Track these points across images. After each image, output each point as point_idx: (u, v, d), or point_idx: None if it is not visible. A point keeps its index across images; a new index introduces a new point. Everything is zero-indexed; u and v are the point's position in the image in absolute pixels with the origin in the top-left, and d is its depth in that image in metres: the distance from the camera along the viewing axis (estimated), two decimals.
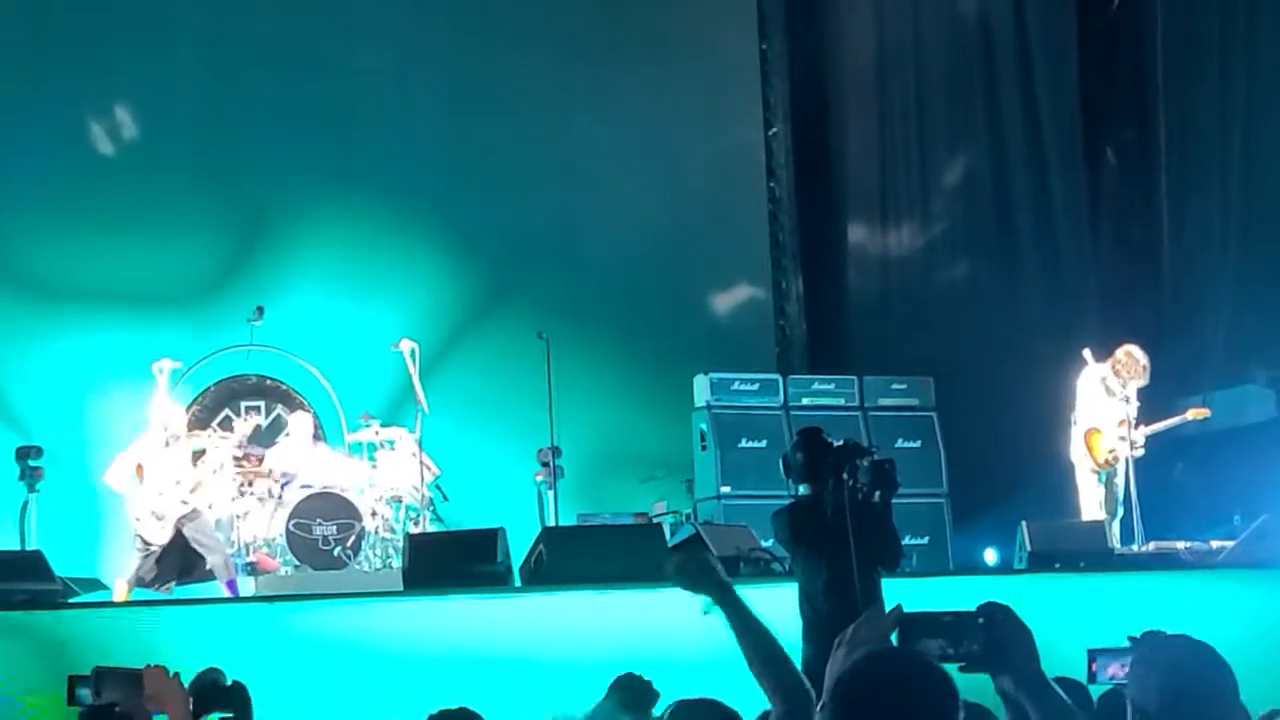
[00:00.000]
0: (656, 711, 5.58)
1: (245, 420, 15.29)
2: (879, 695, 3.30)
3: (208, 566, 13.69)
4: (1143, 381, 14.26)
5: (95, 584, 14.08)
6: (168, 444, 13.75)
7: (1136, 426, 14.28)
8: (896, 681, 3.31)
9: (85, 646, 10.18)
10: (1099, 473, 14.33)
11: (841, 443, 9.87)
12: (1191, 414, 14.40)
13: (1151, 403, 14.44)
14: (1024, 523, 13.09)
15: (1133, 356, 14.31)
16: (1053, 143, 17.97)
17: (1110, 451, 14.26)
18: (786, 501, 15.32)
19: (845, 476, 9.54)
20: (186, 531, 13.57)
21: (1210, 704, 3.96)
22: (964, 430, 15.92)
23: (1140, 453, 14.20)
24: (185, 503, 13.62)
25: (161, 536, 13.56)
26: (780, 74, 18.99)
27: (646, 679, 5.06)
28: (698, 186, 18.00)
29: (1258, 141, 16.20)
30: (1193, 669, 4.07)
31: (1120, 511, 14.22)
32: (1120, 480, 14.26)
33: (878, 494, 9.60)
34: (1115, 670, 5.30)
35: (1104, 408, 14.33)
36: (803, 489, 9.90)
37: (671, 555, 5.02)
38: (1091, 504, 14.33)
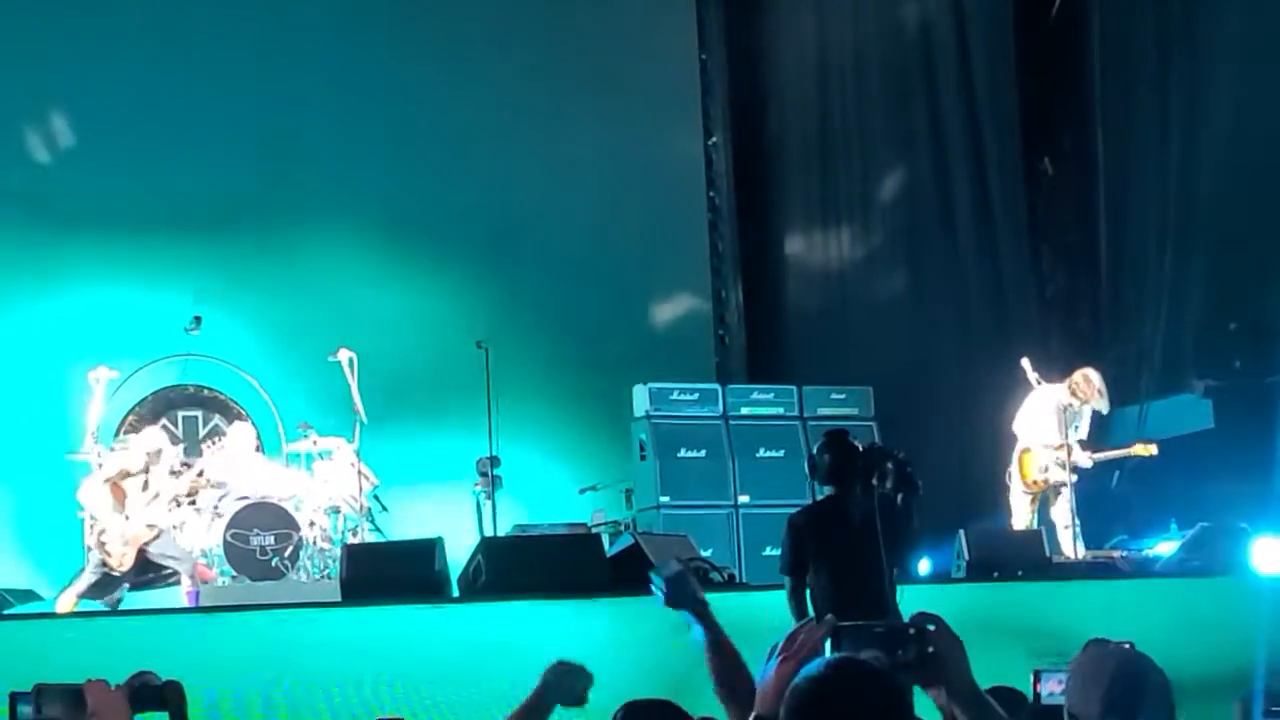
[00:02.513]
0: (599, 709, 5.56)
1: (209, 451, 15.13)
2: (834, 704, 3.30)
3: (166, 572, 13.64)
4: (1101, 405, 14.36)
5: (30, 595, 14.00)
6: (147, 468, 13.68)
7: (1084, 449, 14.36)
8: (852, 690, 3.32)
9: (22, 661, 10.10)
10: (1031, 494, 14.41)
11: (868, 446, 9.95)
12: (1139, 449, 14.48)
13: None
14: (962, 531, 13.13)
15: (1089, 380, 14.38)
16: (992, 153, 18.06)
17: (1043, 472, 14.33)
18: (729, 509, 15.52)
19: (874, 480, 9.62)
20: (152, 550, 13.51)
21: (1148, 714, 3.99)
22: (903, 440, 15.94)
23: (1074, 478, 14.28)
24: (151, 526, 13.56)
25: (127, 561, 13.49)
26: (720, 84, 19.03)
27: (578, 664, 5.05)
28: (638, 196, 18.01)
29: (1195, 152, 16.30)
30: (1131, 680, 4.09)
31: (1075, 523, 14.27)
32: (1064, 496, 14.32)
33: (900, 496, 9.67)
34: (1056, 687, 5.33)
35: (1043, 429, 14.39)
36: (826, 491, 9.90)
37: (658, 581, 5.04)
38: (1020, 520, 14.40)
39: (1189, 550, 13.26)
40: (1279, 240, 15.08)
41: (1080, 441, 14.44)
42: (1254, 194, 15.66)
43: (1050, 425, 14.39)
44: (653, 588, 5.02)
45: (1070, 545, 14.13)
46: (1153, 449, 14.46)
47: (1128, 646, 6.76)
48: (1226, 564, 12.74)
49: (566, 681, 4.90)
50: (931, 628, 3.53)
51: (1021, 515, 14.43)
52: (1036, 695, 4.76)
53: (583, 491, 16.29)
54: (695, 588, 4.83)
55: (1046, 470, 14.35)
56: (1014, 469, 14.55)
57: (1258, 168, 15.65)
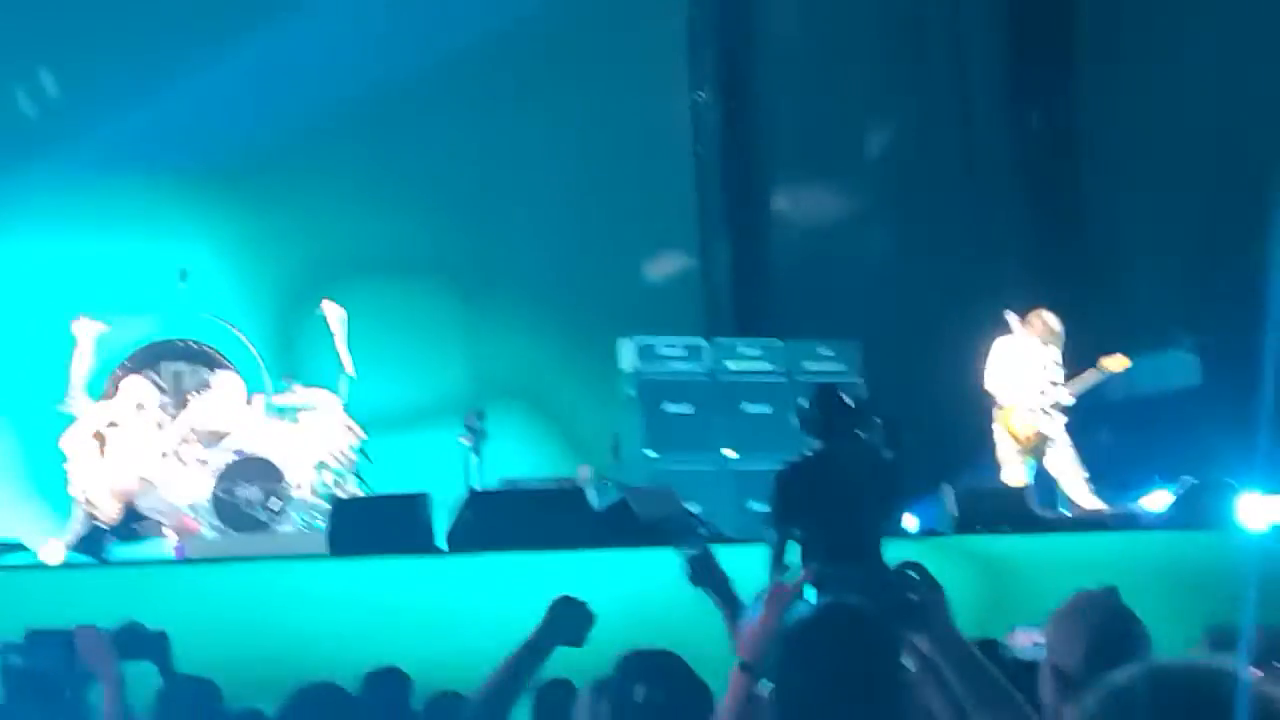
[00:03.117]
0: (586, 661, 5.59)
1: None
2: (824, 645, 3.32)
3: (152, 525, 13.65)
4: (1057, 345, 14.33)
5: (18, 547, 14.00)
6: (132, 418, 13.67)
7: (1059, 387, 14.35)
8: (841, 631, 3.34)
9: (9, 612, 10.11)
10: (1024, 452, 14.39)
11: (858, 402, 9.99)
12: (1107, 363, 14.43)
13: (1078, 366, 14.53)
14: (948, 486, 13.15)
15: (1044, 320, 14.38)
16: (980, 107, 18.03)
17: (1031, 426, 14.33)
18: (715, 464, 15.53)
19: (862, 435, 9.67)
20: (138, 502, 13.52)
21: (1129, 656, 3.99)
22: (891, 395, 15.96)
23: (1064, 419, 14.29)
24: (137, 478, 13.56)
25: (113, 512, 13.49)
26: (708, 39, 18.97)
27: (582, 602, 5.08)
28: (625, 151, 17.95)
29: (1184, 104, 16.28)
30: (1110, 630, 4.11)
31: (1082, 472, 14.27)
32: (1062, 450, 14.32)
33: (887, 452, 9.72)
34: (1024, 640, 5.35)
35: (1018, 382, 14.39)
36: (816, 445, 9.91)
37: (684, 559, 5.10)
38: (1014, 479, 14.39)
39: (1177, 506, 13.31)
40: (1266, 195, 15.07)
41: (1053, 383, 14.43)
42: (1240, 149, 15.65)
43: (1024, 376, 14.38)
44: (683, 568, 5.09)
45: (1084, 494, 14.12)
46: (1125, 361, 14.40)
47: (1112, 591, 6.78)
48: (1214, 520, 12.78)
49: (569, 619, 4.91)
50: (914, 575, 3.55)
51: (1015, 473, 14.40)
52: (1013, 649, 4.78)
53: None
54: (717, 567, 4.89)
55: (1032, 421, 14.35)
56: (999, 429, 14.54)
57: (1243, 123, 15.65)
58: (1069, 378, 14.43)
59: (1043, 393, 14.29)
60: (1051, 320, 14.37)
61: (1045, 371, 14.35)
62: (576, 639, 4.89)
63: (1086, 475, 14.33)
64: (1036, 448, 14.41)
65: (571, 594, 4.93)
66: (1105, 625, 4.14)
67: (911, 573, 3.56)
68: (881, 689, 3.33)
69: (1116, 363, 14.41)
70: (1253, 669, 1.95)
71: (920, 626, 3.52)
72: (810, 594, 3.58)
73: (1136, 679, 1.93)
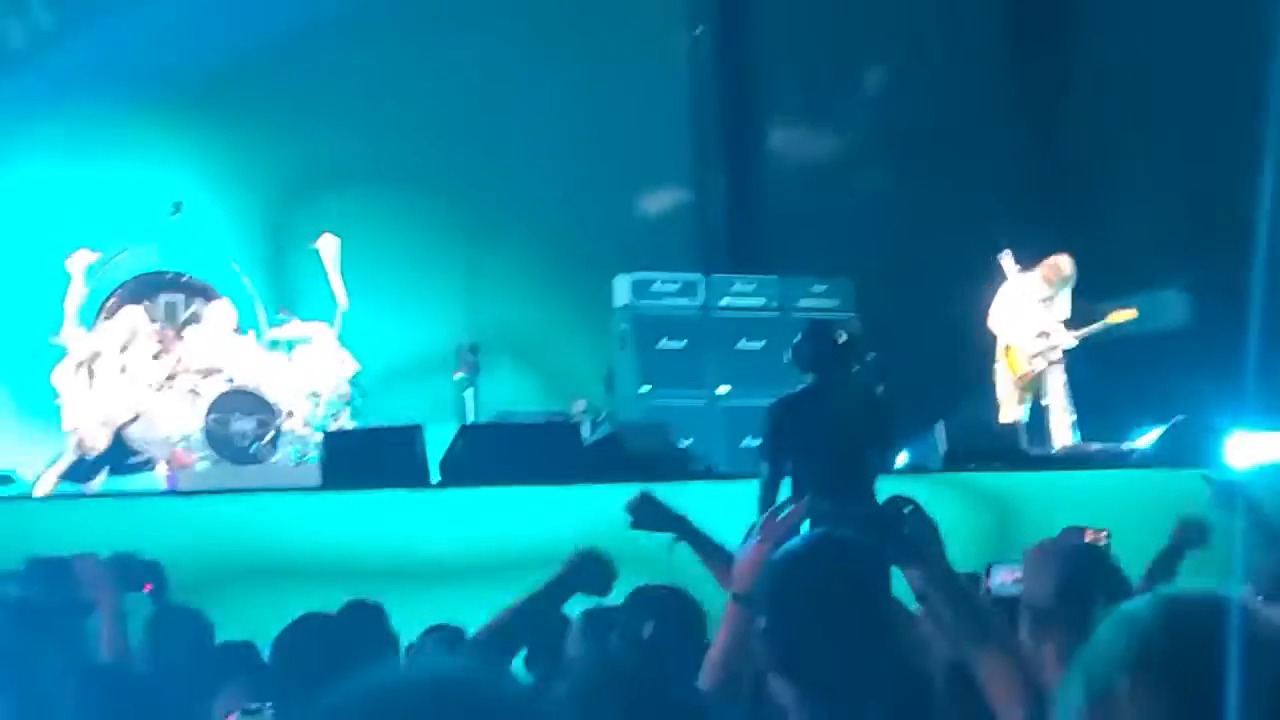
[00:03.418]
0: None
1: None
2: (814, 575, 3.34)
3: (144, 457, 13.68)
4: (1067, 289, 14.39)
5: (6, 479, 14.02)
6: (124, 349, 13.67)
7: (1067, 331, 14.42)
8: (831, 561, 3.36)
9: (1, 542, 10.13)
10: (1021, 388, 14.46)
11: (851, 337, 10.00)
12: (1117, 315, 14.50)
13: (1073, 302, 14.59)
14: (940, 422, 13.18)
15: (1059, 266, 14.43)
16: (976, 44, 17.98)
17: (1030, 363, 14.38)
18: (708, 400, 15.55)
19: (855, 368, 9.69)
20: (129, 432, 13.54)
21: (1100, 602, 4.02)
22: (884, 332, 15.97)
23: (1058, 357, 14.35)
24: (128, 408, 13.57)
25: (102, 442, 13.51)
26: None
27: (607, 555, 5.06)
28: (622, 86, 17.90)
29: (1178, 42, 16.25)
30: (1083, 568, 4.14)
31: (1070, 408, 14.35)
32: (1055, 384, 14.39)
33: (880, 387, 9.75)
34: (1005, 577, 5.37)
35: (1021, 319, 14.44)
36: (808, 379, 9.93)
37: (626, 504, 5.07)
38: (1010, 413, 14.46)
39: (1164, 443, 13.35)
40: (1256, 135, 15.06)
41: (1064, 322, 14.49)
42: (1232, 88, 15.63)
43: (1029, 315, 14.43)
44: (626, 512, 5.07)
45: (1069, 435, 14.21)
46: (1132, 312, 14.47)
47: (1105, 533, 6.82)
48: (1201, 457, 12.83)
49: (593, 571, 4.86)
50: (907, 510, 3.57)
51: (1011, 408, 14.47)
52: (988, 588, 4.80)
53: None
54: (666, 505, 4.87)
55: (1033, 360, 14.40)
56: (1000, 364, 14.59)
57: (1236, 61, 15.61)
58: (1073, 320, 14.49)
59: (1047, 334, 14.34)
60: (1065, 264, 14.41)
61: (1052, 314, 14.40)
62: (602, 590, 4.84)
63: (1074, 416, 14.38)
64: (1035, 386, 14.46)
65: (584, 542, 4.88)
66: (1077, 563, 4.18)
67: (905, 507, 3.58)
68: (873, 621, 3.35)
69: (1123, 314, 14.46)
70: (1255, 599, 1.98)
71: (913, 560, 3.54)
72: (804, 527, 3.60)
73: (1149, 608, 1.95)
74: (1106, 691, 1.91)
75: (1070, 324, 14.50)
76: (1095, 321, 14.52)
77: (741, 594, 3.63)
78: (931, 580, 3.54)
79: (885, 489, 9.76)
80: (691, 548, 4.75)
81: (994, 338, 14.64)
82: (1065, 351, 14.41)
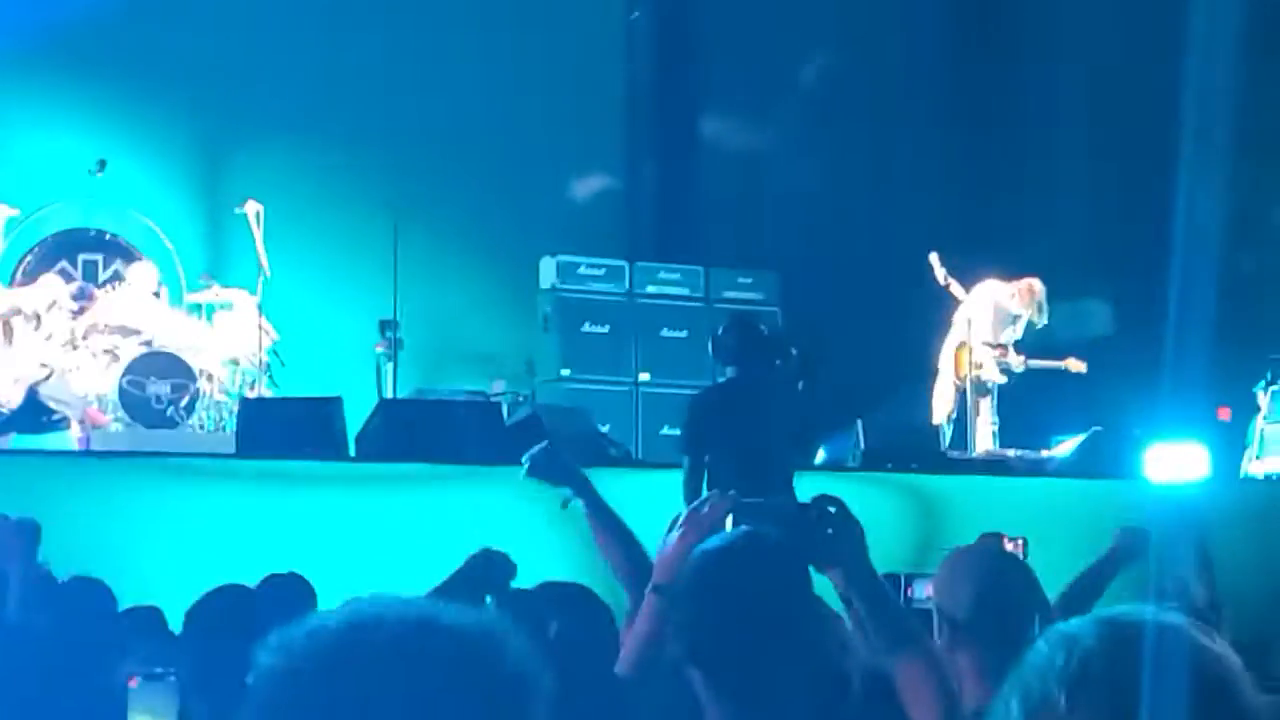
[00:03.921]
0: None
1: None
2: (735, 574, 3.33)
3: (57, 417, 13.53)
4: (1039, 319, 14.58)
5: None
6: (40, 311, 13.54)
7: (1019, 354, 14.59)
8: (752, 561, 3.34)
9: None
10: (959, 385, 14.56)
11: (772, 331, 10.00)
12: (1072, 364, 14.72)
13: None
14: (859, 421, 13.21)
15: (1033, 291, 14.62)
16: (916, 42, 18.01)
17: (976, 369, 14.47)
18: (629, 386, 15.56)
19: (777, 363, 9.67)
20: (42, 391, 13.40)
21: (1016, 612, 4.03)
22: (807, 327, 15.99)
23: (1004, 379, 14.50)
24: (44, 365, 13.43)
25: (14, 399, 13.36)
26: None
27: (504, 553, 5.03)
28: (555, 69, 17.84)
29: (1111, 49, 16.34)
30: (1000, 579, 4.14)
31: (996, 421, 14.51)
32: (990, 393, 14.52)
33: (801, 384, 9.73)
34: (927, 591, 5.36)
35: (981, 327, 14.53)
36: (729, 372, 9.93)
37: (528, 454, 5.04)
38: (942, 411, 14.56)
39: (1082, 453, 13.43)
40: (1182, 148, 15.15)
41: (1015, 344, 14.65)
42: (1158, 98, 15.74)
43: (988, 323, 14.54)
44: (522, 461, 5.02)
45: (989, 441, 14.31)
46: (1082, 367, 14.70)
47: (1020, 543, 6.83)
48: (1118, 468, 12.91)
49: (491, 569, 4.86)
50: (832, 510, 3.54)
51: (944, 406, 14.58)
52: (907, 599, 4.79)
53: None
54: (568, 461, 4.82)
55: (980, 367, 14.49)
56: (947, 361, 14.67)
57: (1163, 71, 15.72)
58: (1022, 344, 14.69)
59: (1002, 347, 14.51)
60: (1039, 290, 14.59)
61: (1011, 331, 14.59)
62: (500, 588, 4.85)
63: (997, 424, 14.49)
64: (975, 389, 14.55)
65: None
66: (995, 573, 4.18)
67: (829, 507, 3.56)
68: (792, 622, 3.34)
69: (1077, 365, 14.69)
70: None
71: (834, 561, 3.52)
72: (728, 521, 3.58)
73: (1089, 628, 1.95)
74: (1043, 707, 1.91)
75: (1021, 350, 14.68)
76: (1051, 359, 14.70)
77: (662, 585, 3.61)
78: (852, 582, 3.52)
79: (803, 485, 9.78)
80: (585, 508, 4.68)
81: (922, 336, 14.71)
82: (1008, 373, 14.56)
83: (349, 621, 1.83)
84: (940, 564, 4.50)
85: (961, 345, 14.61)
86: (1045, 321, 14.72)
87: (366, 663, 1.78)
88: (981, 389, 14.56)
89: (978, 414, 14.51)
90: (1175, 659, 1.91)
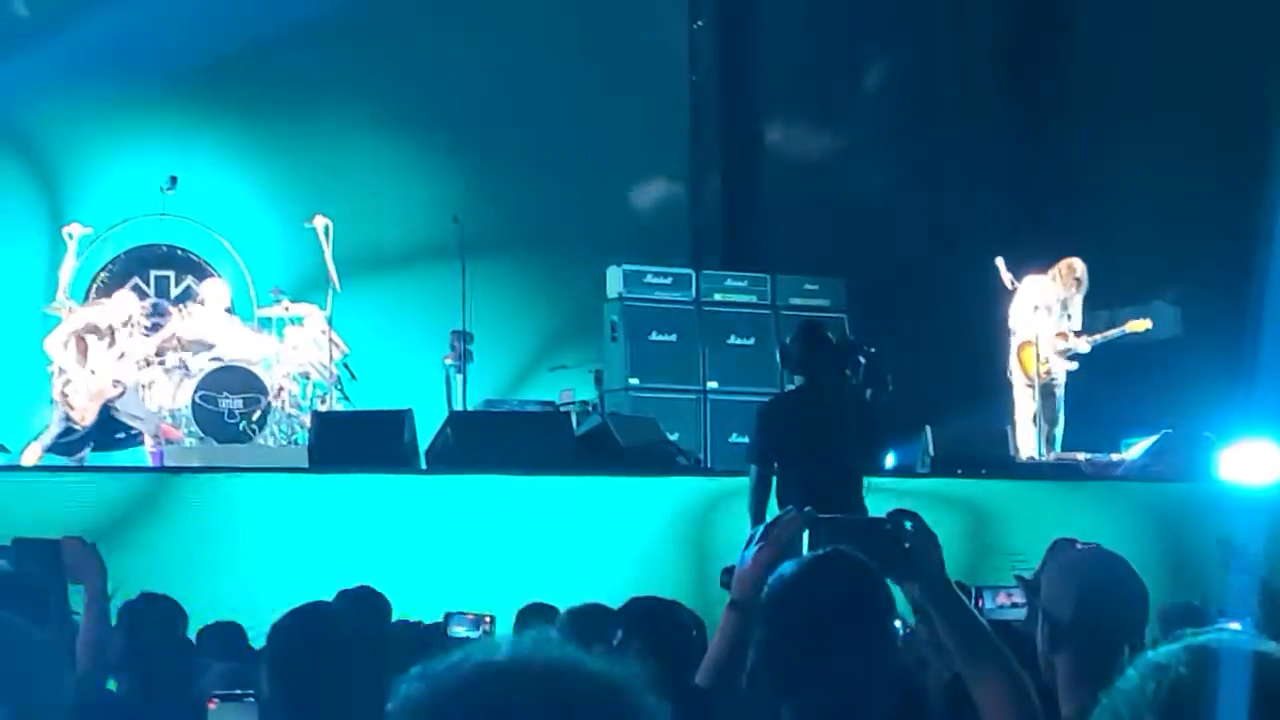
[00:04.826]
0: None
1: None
2: (814, 597, 3.34)
3: (133, 432, 13.67)
4: (1079, 292, 14.42)
5: None
6: (115, 327, 13.67)
7: (1079, 336, 14.43)
8: (832, 583, 3.36)
9: None
10: (1033, 386, 14.45)
11: (841, 339, 10.00)
12: (1132, 325, 14.53)
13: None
14: (928, 427, 13.18)
15: (1072, 268, 14.46)
16: (978, 48, 17.97)
17: (1044, 364, 14.38)
18: (697, 394, 15.57)
19: (847, 372, 9.67)
20: (117, 406, 13.53)
21: (1122, 613, 4.01)
22: (874, 333, 15.96)
23: (1075, 365, 14.39)
24: (117, 382, 13.55)
25: (90, 415, 13.49)
26: None
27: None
28: (620, 77, 17.89)
29: (1178, 54, 16.25)
30: (1108, 579, 4.12)
31: (1060, 420, 14.38)
32: (1060, 391, 14.41)
33: (870, 391, 9.73)
34: (1000, 600, 5.34)
35: (1037, 321, 14.45)
36: (798, 381, 9.94)
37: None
38: (1025, 416, 14.45)
39: (1153, 456, 13.36)
40: (1254, 151, 15.09)
41: (1075, 332, 14.51)
42: (1231, 101, 15.67)
43: (1045, 317, 14.45)
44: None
45: (1043, 444, 14.21)
46: (1147, 323, 14.48)
47: (1094, 548, 6.81)
48: (1189, 471, 12.84)
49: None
50: (909, 524, 3.55)
51: (1025, 409, 14.46)
52: (978, 611, 4.78)
53: (553, 370, 16.29)
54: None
55: (1048, 361, 14.40)
56: (1014, 364, 14.59)
57: (1236, 75, 15.65)
58: (1084, 326, 14.55)
59: (1065, 335, 14.39)
60: (1078, 267, 14.44)
61: (1066, 317, 14.45)
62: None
63: (1061, 425, 14.39)
64: (1045, 387, 14.46)
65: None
66: (1106, 577, 4.14)
67: (906, 521, 3.57)
68: (871, 643, 3.35)
69: (1140, 324, 14.50)
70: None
71: (912, 575, 3.53)
72: (805, 537, 3.59)
73: (1179, 656, 1.97)
74: None
75: (1082, 332, 14.55)
76: (1112, 328, 14.55)
77: (740, 601, 3.63)
78: (930, 595, 3.53)
79: (873, 493, 9.79)
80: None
81: (1005, 338, 14.63)
82: (1080, 357, 14.42)
83: (490, 658, 1.85)
84: (1047, 566, 4.45)
85: (1024, 345, 14.51)
86: (1084, 293, 14.51)
87: (506, 702, 1.80)
88: (1048, 389, 14.46)
89: (1045, 416, 14.42)
90: (1267, 686, 1.92)
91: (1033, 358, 14.42)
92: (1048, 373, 14.40)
